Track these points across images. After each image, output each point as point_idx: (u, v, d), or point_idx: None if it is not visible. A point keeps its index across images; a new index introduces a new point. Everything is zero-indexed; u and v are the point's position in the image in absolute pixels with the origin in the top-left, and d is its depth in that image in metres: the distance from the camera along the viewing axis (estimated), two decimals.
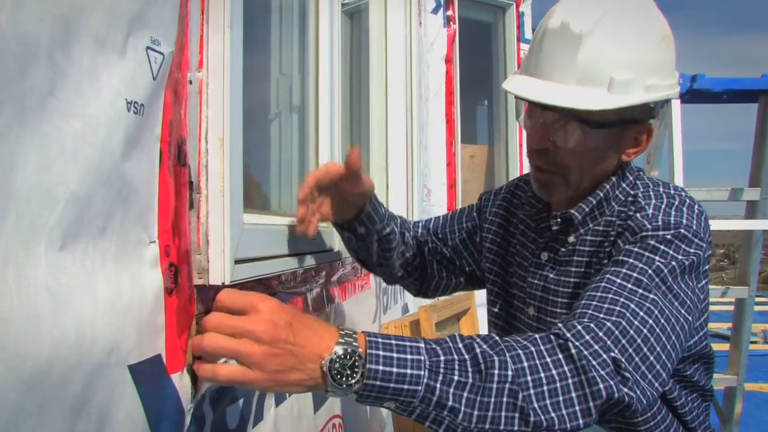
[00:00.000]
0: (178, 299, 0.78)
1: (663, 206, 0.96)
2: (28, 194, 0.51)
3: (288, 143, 1.59)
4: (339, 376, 0.70)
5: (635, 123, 0.97)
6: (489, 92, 3.65)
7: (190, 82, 0.83)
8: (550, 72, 0.94)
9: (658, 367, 0.81)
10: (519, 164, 3.26)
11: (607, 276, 0.88)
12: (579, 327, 0.80)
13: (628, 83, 0.91)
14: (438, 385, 0.71)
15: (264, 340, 0.69)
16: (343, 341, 0.72)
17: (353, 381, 0.70)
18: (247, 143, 0.98)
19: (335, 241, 1.52)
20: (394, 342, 0.73)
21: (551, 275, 1.07)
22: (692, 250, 0.90)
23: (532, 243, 1.13)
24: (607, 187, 1.02)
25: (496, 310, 1.19)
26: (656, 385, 0.80)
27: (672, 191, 1.00)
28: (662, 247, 0.90)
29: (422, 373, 0.71)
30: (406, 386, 0.71)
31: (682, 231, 0.91)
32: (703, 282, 0.93)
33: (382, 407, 0.73)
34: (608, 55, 0.91)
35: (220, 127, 0.86)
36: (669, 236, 0.91)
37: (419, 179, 2.94)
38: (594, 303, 0.85)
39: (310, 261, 1.28)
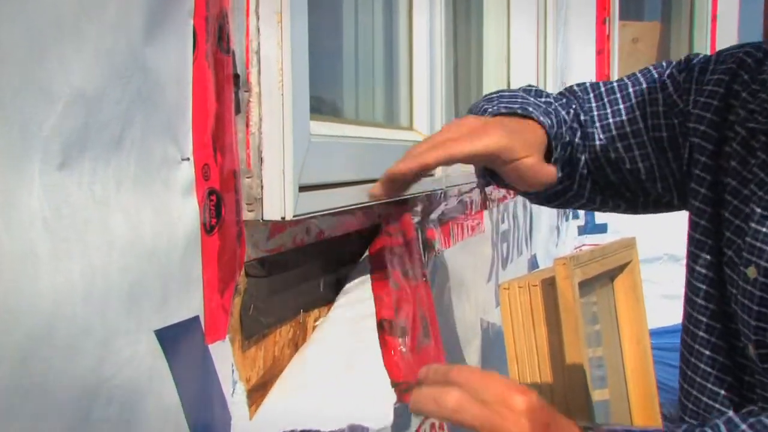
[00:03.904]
0: (221, 240, 0.78)
1: None
2: (14, 89, 0.51)
3: (368, 22, 1.56)
4: None
5: None
6: None
7: None
8: None
9: None
10: (710, 50, 3.08)
11: None
12: None
13: None
14: None
15: None
16: None
17: None
18: (312, 23, 0.96)
19: None
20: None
21: None
22: None
23: (762, 170, 1.03)
24: None
25: (701, 269, 1.09)
26: None
27: None
28: None
29: None
30: None
31: None
32: None
33: None
34: None
35: None
36: None
37: (555, 75, 2.85)
38: None
39: None
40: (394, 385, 0.94)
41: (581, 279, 1.85)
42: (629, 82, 1.16)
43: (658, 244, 3.11)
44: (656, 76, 1.14)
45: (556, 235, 3.38)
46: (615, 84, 1.17)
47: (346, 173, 1.08)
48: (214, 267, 0.77)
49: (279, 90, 0.85)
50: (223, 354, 0.80)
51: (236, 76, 0.83)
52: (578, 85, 1.20)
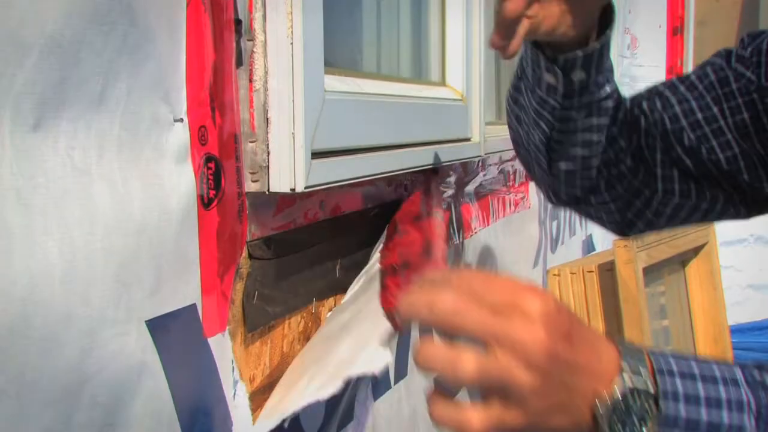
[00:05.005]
0: (221, 215, 0.79)
1: None
2: None
3: None
4: (620, 427, 0.73)
5: None
6: None
7: None
8: None
9: None
10: None
11: None
12: None
13: None
14: None
15: (538, 363, 0.70)
16: (627, 369, 0.74)
17: None
18: None
19: (472, 125, 1.49)
20: (696, 369, 0.75)
21: None
22: None
23: None
24: None
25: None
26: None
27: None
28: None
29: (747, 423, 0.73)
30: None
31: None
32: None
33: None
34: None
35: None
36: None
37: (616, 19, 2.83)
38: None
39: (429, 157, 1.27)
40: (389, 315, 0.95)
41: (646, 264, 1.85)
42: (691, 74, 1.20)
43: (743, 222, 3.09)
44: (720, 61, 1.18)
45: None
46: (674, 80, 1.22)
47: (367, 137, 1.08)
48: (212, 247, 0.77)
49: (288, 38, 0.85)
50: (223, 349, 0.81)
51: (237, 22, 0.83)
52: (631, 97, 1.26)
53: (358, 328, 0.96)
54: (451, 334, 0.70)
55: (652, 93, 1.21)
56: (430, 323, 0.70)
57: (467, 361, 0.68)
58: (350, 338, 0.95)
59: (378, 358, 0.87)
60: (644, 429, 0.72)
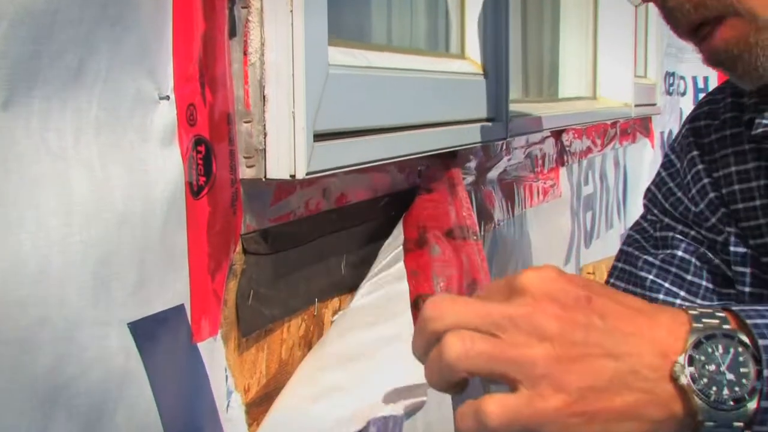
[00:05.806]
0: (212, 205, 0.80)
1: None
2: None
3: None
4: (713, 388, 0.69)
5: None
6: None
7: None
8: None
9: None
10: None
11: None
12: None
13: None
14: None
15: (548, 330, 0.68)
16: (700, 324, 0.71)
17: (742, 391, 0.69)
18: None
19: (496, 103, 1.49)
20: None
21: None
22: None
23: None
24: None
25: None
26: None
27: None
28: None
29: None
30: None
31: None
32: None
33: None
34: None
35: None
36: None
37: None
38: None
39: (447, 139, 1.27)
40: None
41: None
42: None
43: None
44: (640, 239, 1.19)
45: None
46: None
47: (376, 117, 1.08)
48: (202, 240, 0.78)
49: (287, 5, 0.85)
50: (214, 355, 0.82)
51: None
52: None
53: (387, 360, 0.97)
54: (468, 375, 0.68)
55: None
56: (427, 336, 0.69)
57: (452, 347, 0.67)
58: (378, 372, 0.95)
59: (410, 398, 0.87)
60: (744, 381, 0.68)
